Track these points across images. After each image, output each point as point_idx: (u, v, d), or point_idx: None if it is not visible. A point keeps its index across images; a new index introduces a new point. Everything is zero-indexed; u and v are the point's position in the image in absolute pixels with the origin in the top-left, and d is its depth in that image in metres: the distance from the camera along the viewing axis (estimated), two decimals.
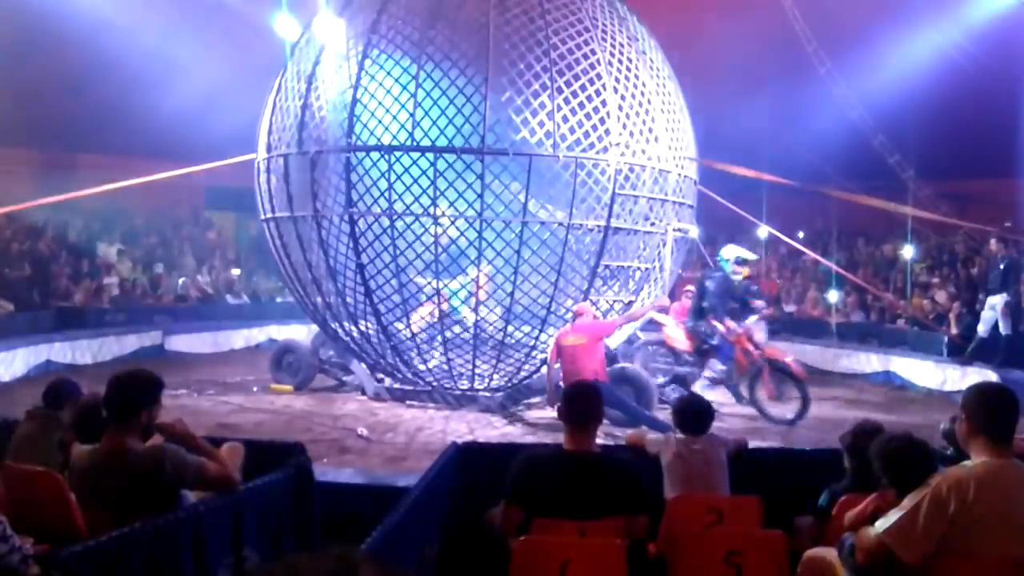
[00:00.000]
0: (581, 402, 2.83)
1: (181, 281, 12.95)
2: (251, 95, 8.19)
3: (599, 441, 2.97)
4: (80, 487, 2.67)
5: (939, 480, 2.19)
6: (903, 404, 8.43)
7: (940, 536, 2.15)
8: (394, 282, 6.94)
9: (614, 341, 7.26)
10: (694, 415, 3.37)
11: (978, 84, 10.66)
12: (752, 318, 7.52)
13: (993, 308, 8.70)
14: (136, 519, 2.44)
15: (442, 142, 6.93)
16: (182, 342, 11.14)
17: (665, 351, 7.90)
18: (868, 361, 10.14)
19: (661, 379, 7.57)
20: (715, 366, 7.23)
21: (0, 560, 2.08)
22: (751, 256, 7.91)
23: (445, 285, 7.07)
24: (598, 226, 6.91)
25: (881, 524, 2.26)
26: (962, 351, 9.01)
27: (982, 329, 8.81)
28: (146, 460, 2.60)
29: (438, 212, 6.75)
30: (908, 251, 11.94)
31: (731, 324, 7.22)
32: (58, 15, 10.28)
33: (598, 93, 6.80)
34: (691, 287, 8.75)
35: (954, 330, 9.64)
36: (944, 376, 8.99)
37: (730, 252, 7.66)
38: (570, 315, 6.72)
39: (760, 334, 7.46)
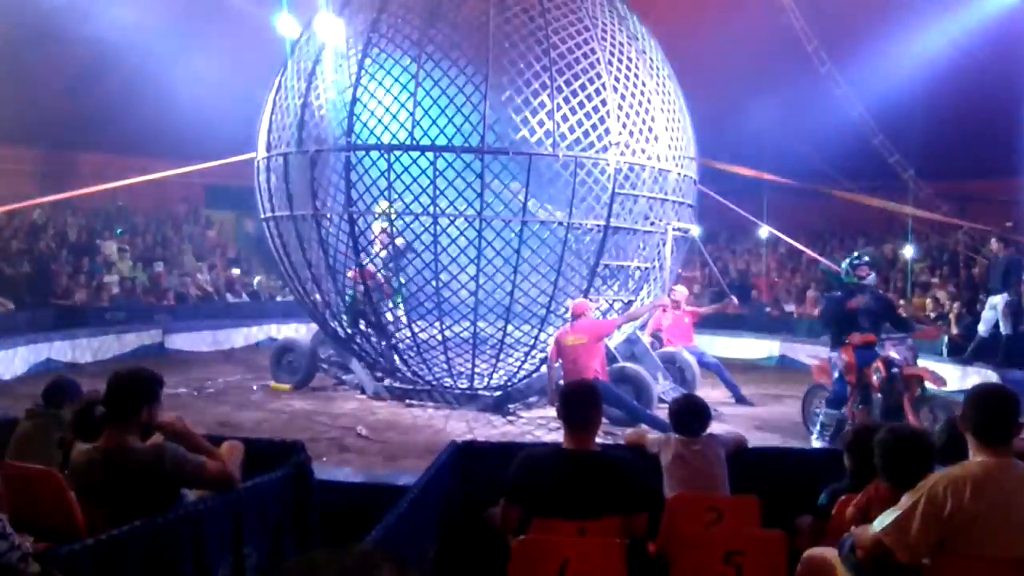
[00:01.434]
0: (580, 401, 2.83)
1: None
2: (251, 94, 8.19)
3: (598, 440, 2.97)
4: (80, 485, 2.68)
5: (936, 480, 2.20)
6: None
7: (937, 536, 2.15)
8: (394, 281, 6.94)
9: (613, 340, 7.26)
10: (691, 416, 3.36)
11: (979, 83, 10.66)
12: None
13: (994, 308, 8.70)
14: (136, 517, 2.44)
15: (442, 141, 6.93)
16: (182, 340, 11.14)
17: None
18: None
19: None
20: (824, 412, 5.87)
21: (1, 558, 2.08)
22: (864, 252, 6.26)
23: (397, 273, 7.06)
24: (598, 225, 6.91)
25: (879, 522, 2.26)
26: (962, 351, 9.01)
27: (982, 329, 8.81)
28: (146, 458, 2.61)
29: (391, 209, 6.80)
30: (908, 251, 11.94)
31: (856, 340, 5.71)
32: (59, 14, 10.28)
33: (598, 92, 6.80)
34: (678, 287, 8.59)
35: (954, 330, 9.63)
36: (944, 376, 8.97)
37: (845, 263, 6.24)
38: (569, 314, 6.72)
39: (896, 351, 5.75)
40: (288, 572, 0.82)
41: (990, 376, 7.91)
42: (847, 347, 5.82)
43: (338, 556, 0.85)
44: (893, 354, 5.71)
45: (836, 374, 5.87)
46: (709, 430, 3.42)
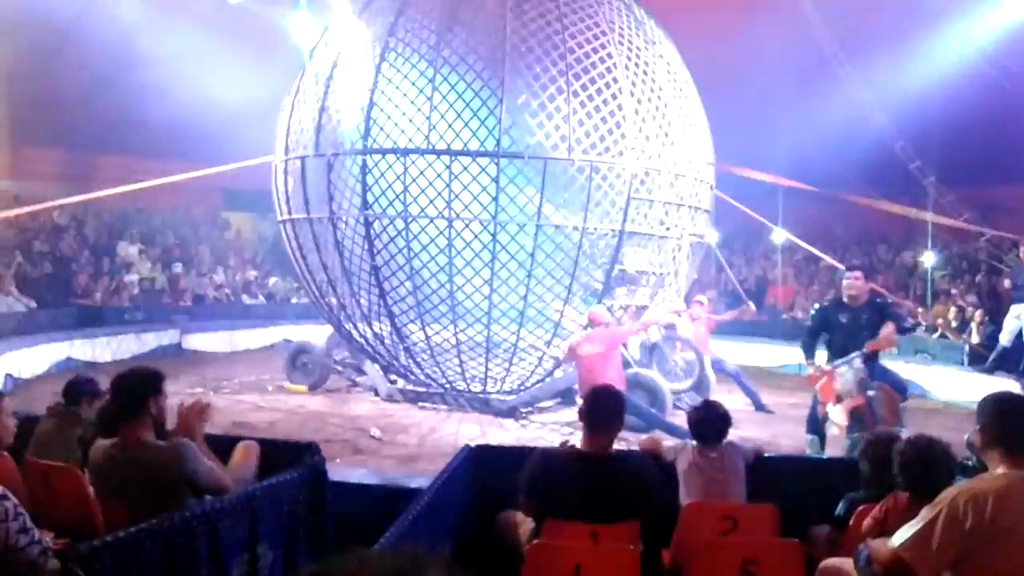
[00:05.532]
0: (603, 404, 2.81)
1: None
2: (270, 98, 8.27)
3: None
4: (99, 482, 2.71)
5: (955, 494, 2.15)
6: (922, 414, 8.30)
7: (957, 551, 2.11)
8: (408, 284, 6.97)
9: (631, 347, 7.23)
10: (710, 425, 3.31)
11: (1001, 89, 10.50)
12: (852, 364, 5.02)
13: (1017, 317, 8.56)
14: (153, 514, 2.46)
15: (457, 145, 6.95)
16: (199, 341, 11.25)
17: None
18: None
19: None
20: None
21: (21, 552, 2.11)
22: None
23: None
24: (613, 230, 6.89)
25: (897, 537, 2.22)
26: (983, 360, 8.87)
27: (1005, 338, 8.67)
28: (165, 456, 2.63)
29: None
30: (929, 258, 11.78)
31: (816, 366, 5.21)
32: (81, 19, 10.45)
33: (614, 97, 6.79)
34: (702, 297, 8.55)
35: (976, 339, 9.48)
36: (964, 386, 8.85)
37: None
38: (584, 320, 6.70)
39: (845, 379, 4.99)
40: (338, 571, 0.83)
41: (1012, 386, 7.76)
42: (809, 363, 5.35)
43: (389, 557, 0.85)
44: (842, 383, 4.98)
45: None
46: (727, 438, 3.38)
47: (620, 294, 7.27)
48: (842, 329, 5.13)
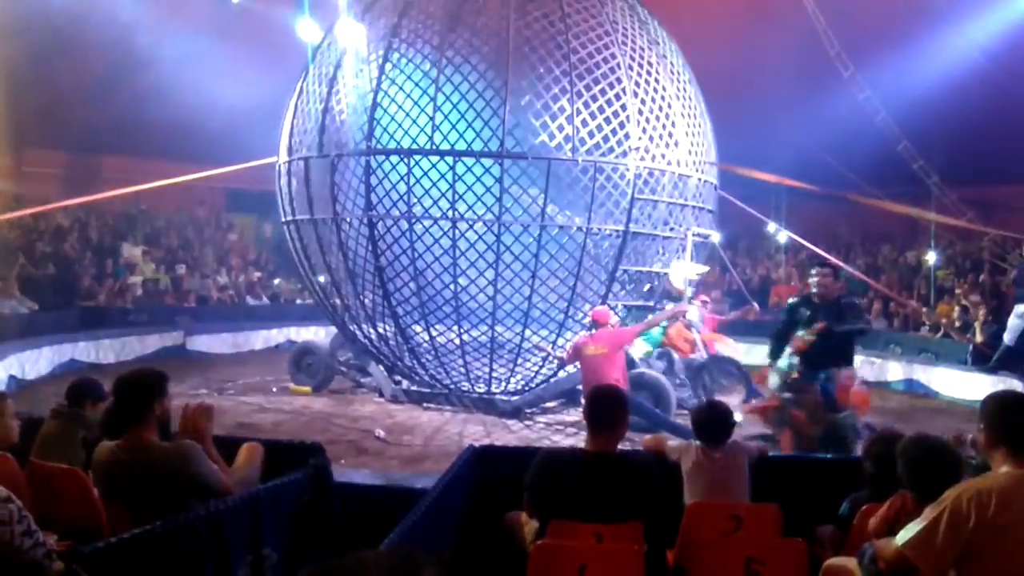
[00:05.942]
0: (607, 404, 2.81)
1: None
2: (273, 99, 8.28)
3: None
4: (102, 483, 2.71)
5: (959, 492, 2.14)
6: (925, 413, 8.29)
7: (961, 549, 2.10)
8: (412, 285, 6.97)
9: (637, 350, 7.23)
10: (714, 425, 3.31)
11: (1004, 88, 10.47)
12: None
13: (1020, 316, 8.53)
14: (157, 516, 2.46)
15: (461, 146, 6.96)
16: (203, 342, 11.27)
17: None
18: (890, 369, 9.99)
19: None
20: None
21: (26, 554, 2.11)
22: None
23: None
24: (617, 230, 6.89)
25: (902, 536, 2.22)
26: (987, 360, 8.84)
27: (1008, 337, 8.64)
28: (170, 458, 2.63)
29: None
30: (932, 257, 11.76)
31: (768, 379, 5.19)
32: (84, 20, 10.48)
33: (618, 97, 6.79)
34: (705, 297, 8.61)
35: (979, 338, 9.45)
36: (968, 385, 8.83)
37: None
38: (588, 320, 6.70)
39: (771, 379, 5.09)
40: (337, 571, 0.83)
41: (1015, 386, 7.74)
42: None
43: (386, 556, 0.86)
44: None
45: None
46: (731, 438, 3.37)
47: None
48: (802, 326, 5.13)
